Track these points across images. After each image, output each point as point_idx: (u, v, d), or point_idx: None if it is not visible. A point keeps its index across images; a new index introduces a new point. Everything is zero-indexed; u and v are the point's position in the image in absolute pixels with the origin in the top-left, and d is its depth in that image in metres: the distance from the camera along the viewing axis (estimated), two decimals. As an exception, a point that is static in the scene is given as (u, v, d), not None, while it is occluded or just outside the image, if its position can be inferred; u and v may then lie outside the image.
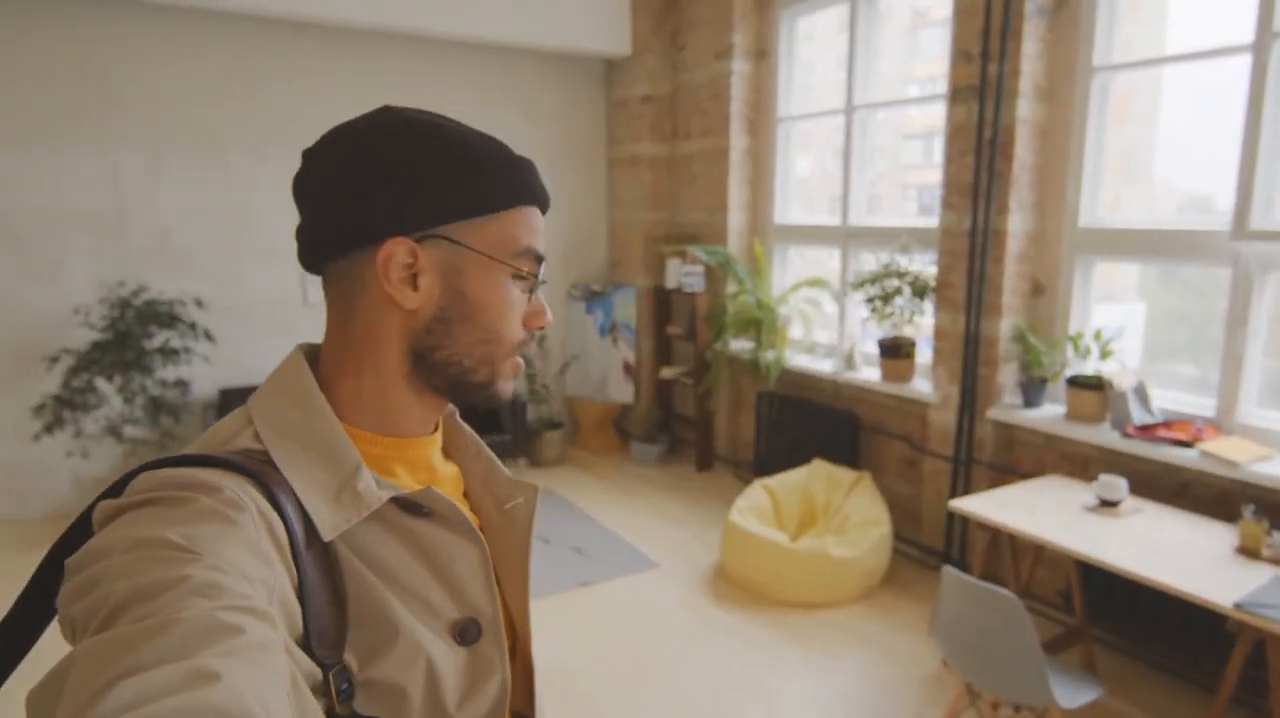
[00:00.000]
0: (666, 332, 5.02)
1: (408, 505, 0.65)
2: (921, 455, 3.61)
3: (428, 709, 0.62)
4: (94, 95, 3.84)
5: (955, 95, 3.24)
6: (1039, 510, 2.58)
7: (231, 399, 4.17)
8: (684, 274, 4.64)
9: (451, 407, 0.76)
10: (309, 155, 0.67)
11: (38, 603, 0.57)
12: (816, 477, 3.67)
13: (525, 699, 0.75)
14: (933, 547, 3.55)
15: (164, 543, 0.47)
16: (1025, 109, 3.04)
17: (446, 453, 0.77)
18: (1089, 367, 3.02)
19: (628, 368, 5.15)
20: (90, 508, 0.54)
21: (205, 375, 4.16)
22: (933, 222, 3.57)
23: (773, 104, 4.44)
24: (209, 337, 3.86)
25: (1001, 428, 3.28)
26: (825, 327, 4.35)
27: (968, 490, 3.34)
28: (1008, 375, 3.27)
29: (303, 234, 0.67)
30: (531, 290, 0.71)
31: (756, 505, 3.56)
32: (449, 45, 4.61)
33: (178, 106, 4.00)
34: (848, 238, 4.07)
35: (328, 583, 0.59)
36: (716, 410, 4.81)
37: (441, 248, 0.65)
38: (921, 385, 3.59)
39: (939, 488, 3.50)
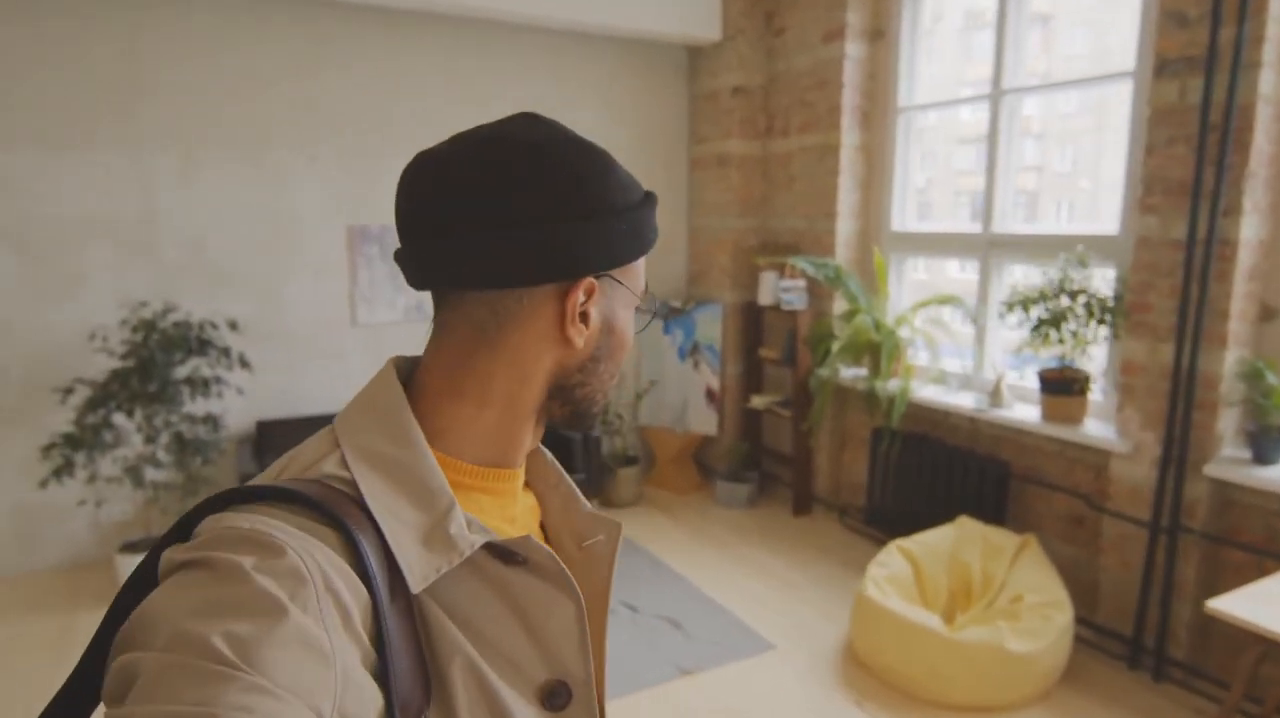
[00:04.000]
0: (758, 355, 4.40)
1: (502, 553, 0.58)
2: (1099, 515, 2.93)
3: None
4: (125, 90, 3.33)
5: (1162, 70, 2.58)
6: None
7: (270, 433, 3.64)
8: (782, 290, 4.02)
9: None
10: (459, 163, 0.57)
11: (97, 666, 0.51)
12: (967, 539, 3.00)
13: None
14: (1115, 630, 2.86)
15: (204, 650, 0.41)
16: (1268, 84, 2.37)
17: (525, 482, 0.70)
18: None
19: (711, 395, 4.53)
20: (158, 547, 0.50)
21: (240, 408, 3.63)
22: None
23: (892, 92, 3.81)
24: (245, 363, 3.33)
25: (1218, 488, 2.60)
26: (952, 353, 3.69)
27: (1173, 567, 2.65)
28: (1227, 421, 2.59)
29: (442, 254, 0.57)
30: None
31: (895, 575, 2.91)
32: (516, 30, 4.06)
33: (216, 102, 3.49)
34: (990, 247, 3.41)
35: (411, 643, 0.52)
36: (818, 446, 4.17)
37: (605, 286, 0.62)
38: (1095, 428, 2.92)
39: (1126, 559, 2.82)
